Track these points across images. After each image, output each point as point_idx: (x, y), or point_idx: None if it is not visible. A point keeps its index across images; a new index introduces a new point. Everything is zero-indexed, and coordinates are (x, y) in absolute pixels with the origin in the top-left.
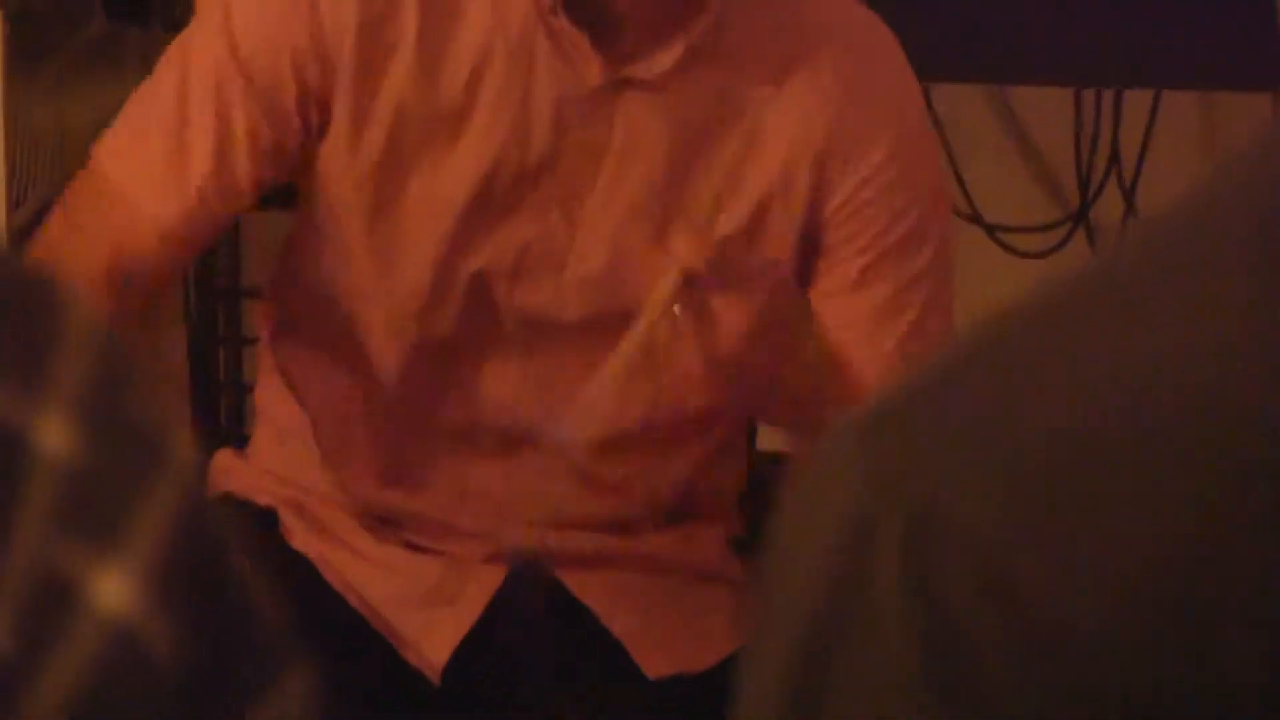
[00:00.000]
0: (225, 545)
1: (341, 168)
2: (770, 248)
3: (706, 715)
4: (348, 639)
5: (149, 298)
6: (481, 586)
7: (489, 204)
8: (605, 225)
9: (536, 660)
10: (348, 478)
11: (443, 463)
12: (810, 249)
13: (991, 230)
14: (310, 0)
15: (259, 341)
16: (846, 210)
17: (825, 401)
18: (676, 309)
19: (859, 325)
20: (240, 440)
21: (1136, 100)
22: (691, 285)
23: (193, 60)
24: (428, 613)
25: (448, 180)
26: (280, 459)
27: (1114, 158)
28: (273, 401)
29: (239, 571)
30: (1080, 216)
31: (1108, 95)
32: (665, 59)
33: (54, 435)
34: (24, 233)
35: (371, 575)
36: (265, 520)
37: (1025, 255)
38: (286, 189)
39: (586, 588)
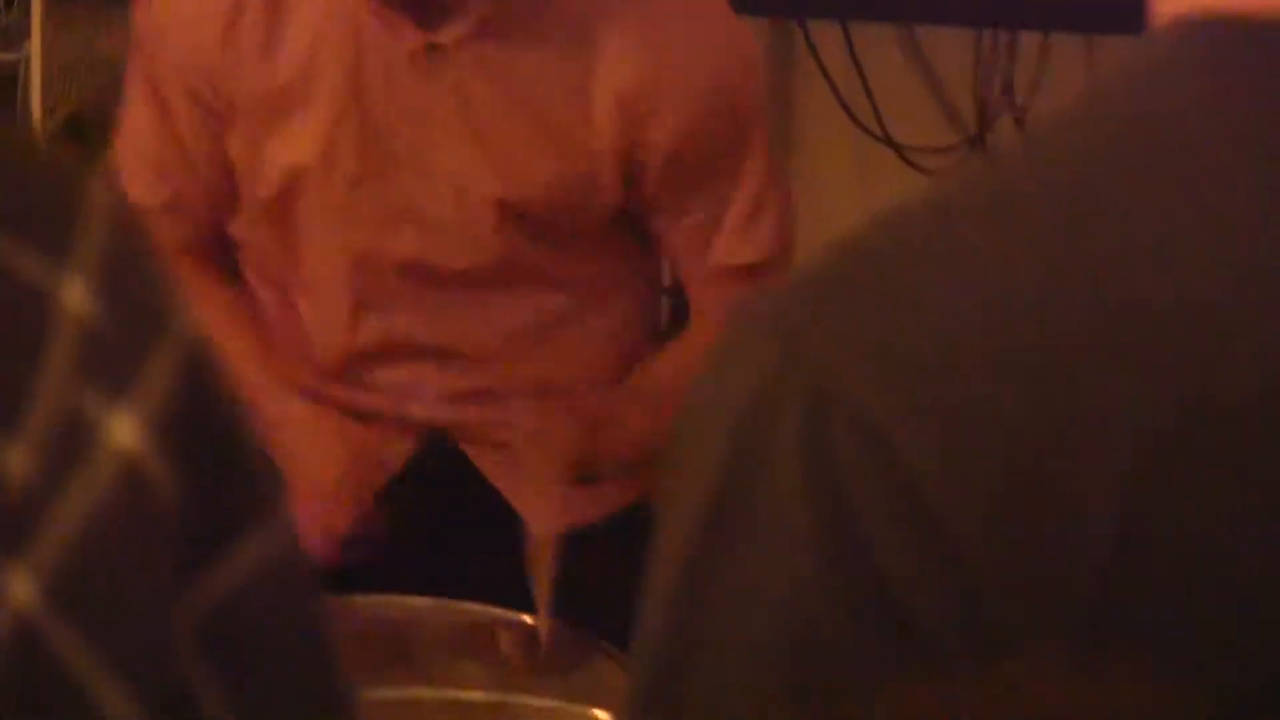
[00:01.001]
0: (221, 397)
1: (230, 145)
2: (599, 192)
3: (593, 566)
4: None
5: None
6: (398, 452)
7: (338, 165)
8: (449, 176)
9: (438, 520)
10: (293, 370)
11: (366, 366)
12: (634, 191)
13: (900, 150)
14: (187, 13)
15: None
16: (660, 151)
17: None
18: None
19: (687, 249)
20: None
21: (1030, 41)
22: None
23: (133, 71)
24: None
25: (297, 147)
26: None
27: (1008, 90)
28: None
29: (234, 420)
30: (978, 140)
31: (1005, 36)
32: (461, 24)
33: (76, 296)
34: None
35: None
36: None
37: (928, 172)
38: None
39: (481, 456)
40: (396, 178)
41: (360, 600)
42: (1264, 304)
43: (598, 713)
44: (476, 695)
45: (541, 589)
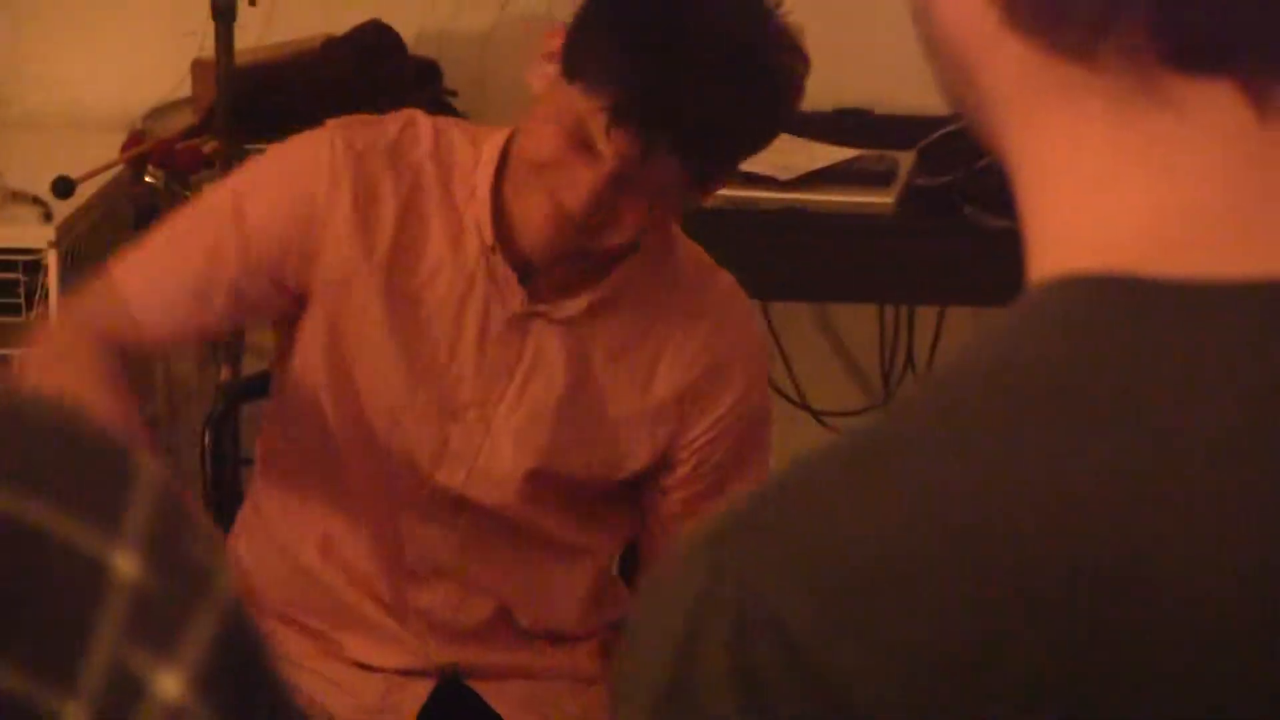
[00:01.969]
0: (258, 652)
1: (310, 349)
2: (632, 462)
3: None
4: None
5: (133, 363)
6: (414, 697)
7: (419, 397)
8: (510, 430)
9: None
10: (303, 603)
11: (383, 587)
12: (661, 464)
13: (816, 415)
14: (310, 209)
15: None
16: (700, 441)
17: None
18: None
19: (671, 513)
20: None
21: (926, 314)
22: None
23: (205, 211)
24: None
25: (391, 371)
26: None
27: (909, 359)
28: (249, 528)
29: (269, 672)
30: (884, 404)
31: (904, 310)
32: (573, 306)
33: (126, 564)
34: None
35: (325, 690)
36: None
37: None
38: None
39: (497, 696)
40: (465, 418)
41: None
42: (1156, 522)
43: None
44: None
45: None
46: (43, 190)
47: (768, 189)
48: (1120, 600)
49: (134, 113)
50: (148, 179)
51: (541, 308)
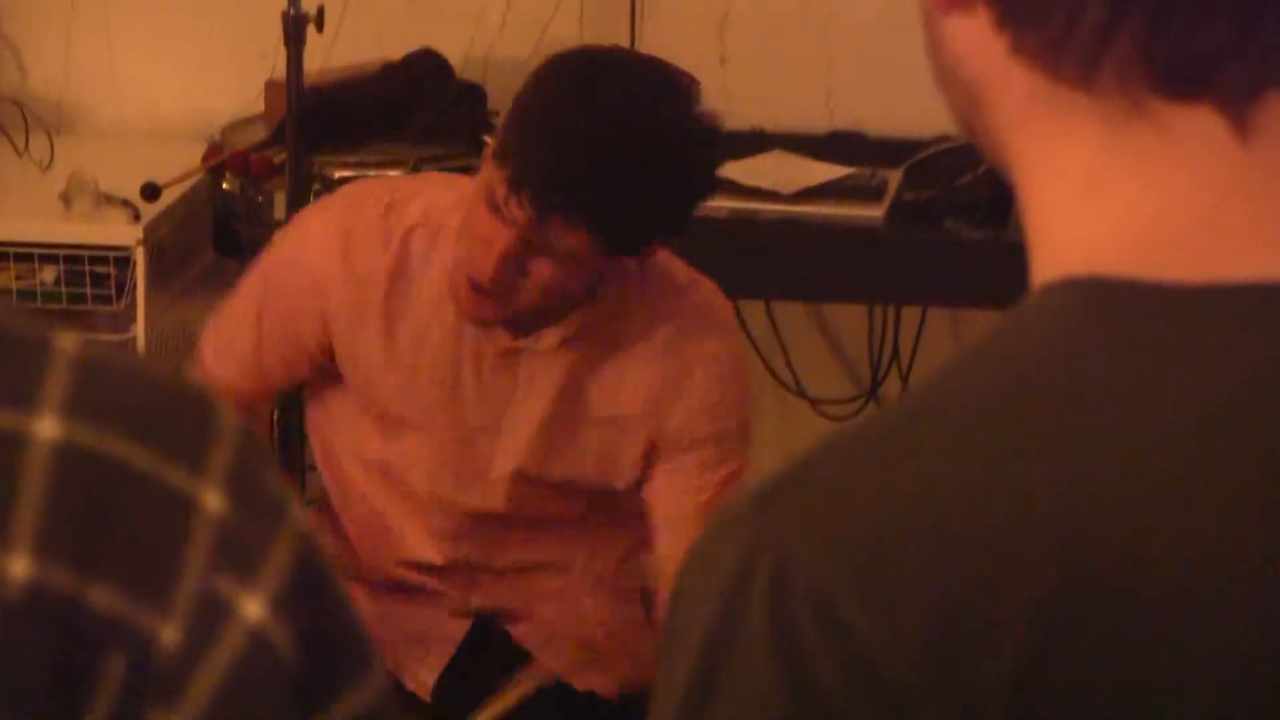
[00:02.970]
0: (328, 577)
1: (335, 390)
2: (627, 464)
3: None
4: None
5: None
6: (454, 633)
7: (435, 433)
8: (513, 443)
9: (492, 685)
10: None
11: (431, 560)
12: (652, 454)
13: (812, 402)
14: (313, 287)
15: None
16: (678, 426)
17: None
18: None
19: (675, 495)
20: None
21: (910, 314)
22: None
23: (245, 296)
24: (419, 650)
25: (405, 415)
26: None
27: (895, 353)
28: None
29: (337, 595)
30: (872, 393)
31: (891, 310)
32: (549, 339)
33: (213, 500)
34: None
35: (374, 625)
36: None
37: (833, 419)
38: None
39: (524, 635)
40: (476, 442)
41: None
42: (1125, 501)
43: None
44: None
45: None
46: (132, 194)
47: (771, 202)
48: (1107, 570)
49: (213, 126)
50: (225, 185)
51: (524, 342)
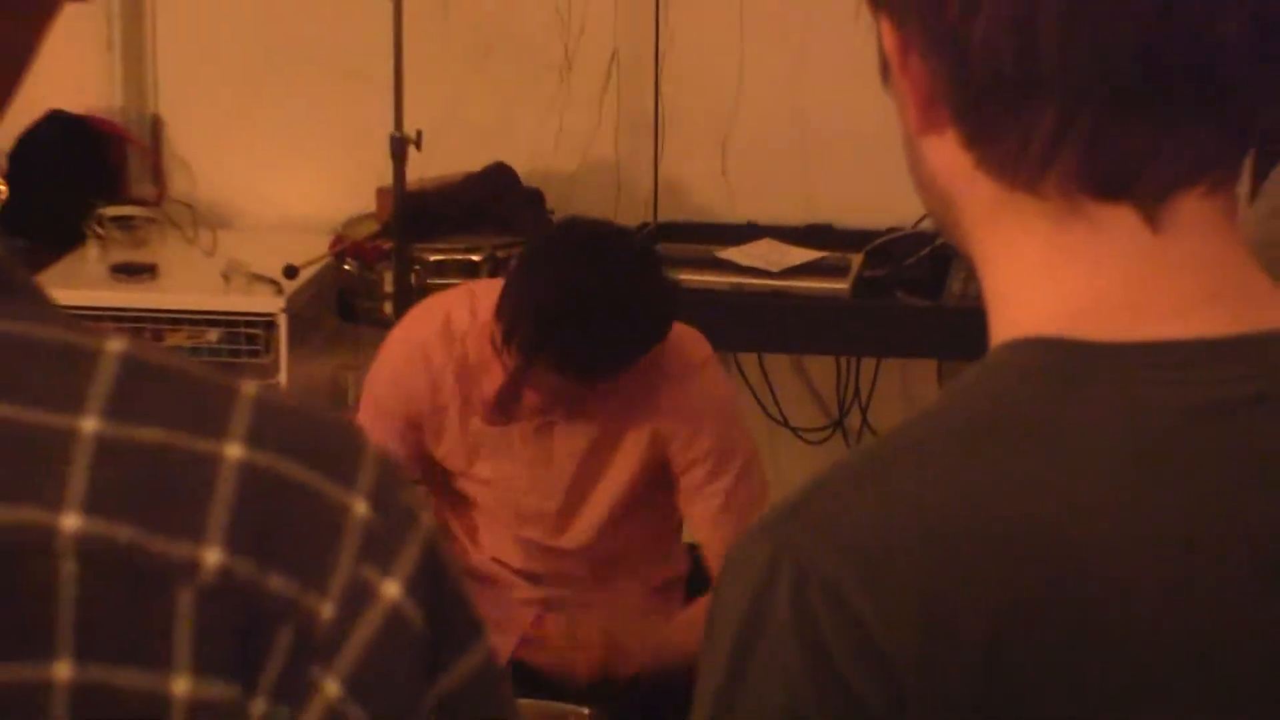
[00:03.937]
0: (448, 566)
1: (436, 464)
2: (623, 473)
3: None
4: None
5: None
6: (522, 618)
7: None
8: (554, 489)
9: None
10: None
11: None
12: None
13: (793, 430)
14: (408, 390)
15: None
16: (681, 445)
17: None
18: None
19: (701, 500)
20: None
21: (868, 363)
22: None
23: (365, 400)
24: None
25: (484, 472)
26: None
27: (856, 393)
28: None
29: (456, 580)
30: (839, 424)
31: (854, 361)
32: (564, 414)
33: (360, 508)
34: None
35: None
36: None
37: (809, 443)
38: None
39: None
40: (528, 493)
41: None
42: (1068, 512)
43: None
44: None
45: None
46: (276, 274)
47: (762, 278)
48: (1046, 560)
49: (337, 222)
50: (346, 267)
51: (550, 418)
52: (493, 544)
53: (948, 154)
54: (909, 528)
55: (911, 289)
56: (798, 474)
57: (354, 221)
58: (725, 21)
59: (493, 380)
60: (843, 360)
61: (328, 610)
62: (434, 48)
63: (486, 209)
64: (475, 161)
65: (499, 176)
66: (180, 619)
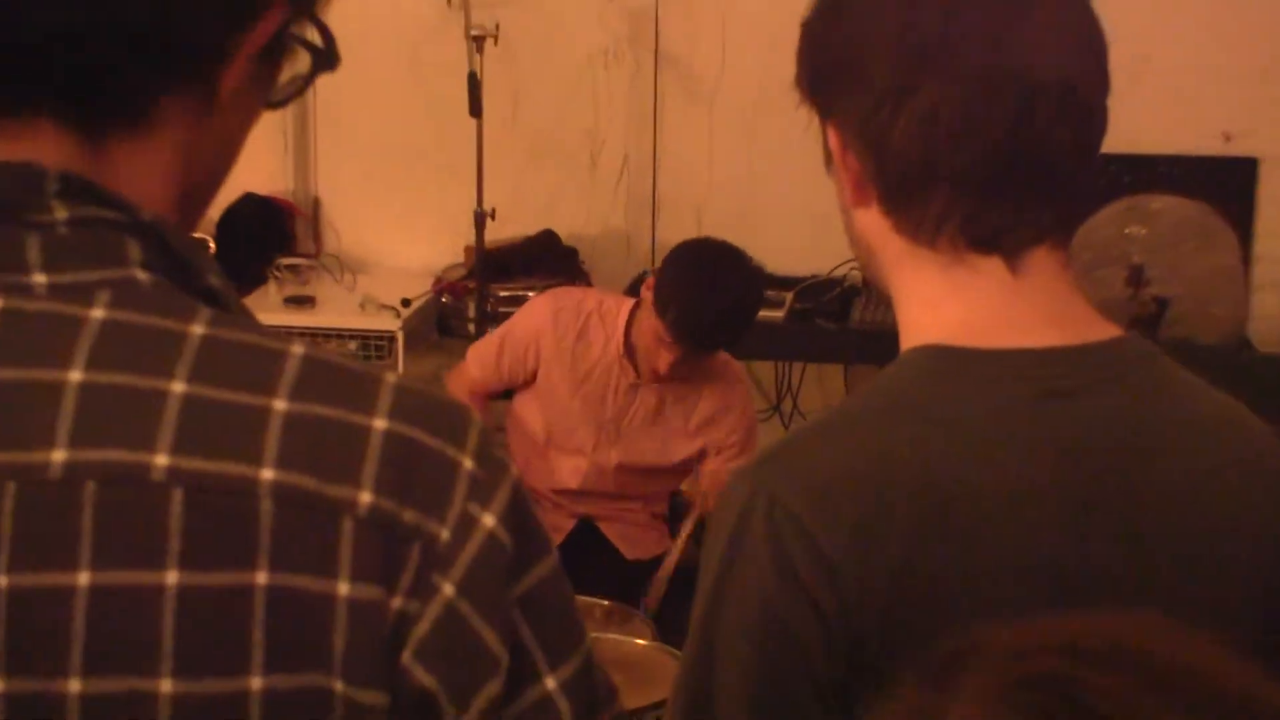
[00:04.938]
0: (528, 502)
1: (532, 395)
2: (677, 456)
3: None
4: None
5: (482, 401)
6: (564, 527)
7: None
8: (632, 440)
9: (588, 558)
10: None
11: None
12: (704, 454)
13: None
14: (535, 339)
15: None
16: (723, 435)
17: None
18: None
19: (715, 463)
20: None
21: (797, 366)
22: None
23: (495, 339)
24: None
25: (579, 418)
26: None
27: (789, 386)
28: None
29: (533, 512)
30: (776, 407)
31: (787, 364)
32: (656, 379)
33: (468, 463)
34: None
35: None
36: None
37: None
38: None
39: (606, 527)
40: (608, 429)
41: None
42: (957, 464)
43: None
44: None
45: (654, 591)
46: (395, 303)
47: None
48: (936, 498)
49: (437, 269)
50: (443, 299)
51: (640, 380)
52: (562, 474)
53: (873, 220)
54: (848, 474)
55: (827, 316)
56: None
57: (449, 269)
58: (701, 134)
59: (597, 346)
60: (780, 364)
61: (445, 535)
62: (503, 151)
63: (538, 261)
64: (531, 229)
65: (547, 239)
66: (343, 541)
